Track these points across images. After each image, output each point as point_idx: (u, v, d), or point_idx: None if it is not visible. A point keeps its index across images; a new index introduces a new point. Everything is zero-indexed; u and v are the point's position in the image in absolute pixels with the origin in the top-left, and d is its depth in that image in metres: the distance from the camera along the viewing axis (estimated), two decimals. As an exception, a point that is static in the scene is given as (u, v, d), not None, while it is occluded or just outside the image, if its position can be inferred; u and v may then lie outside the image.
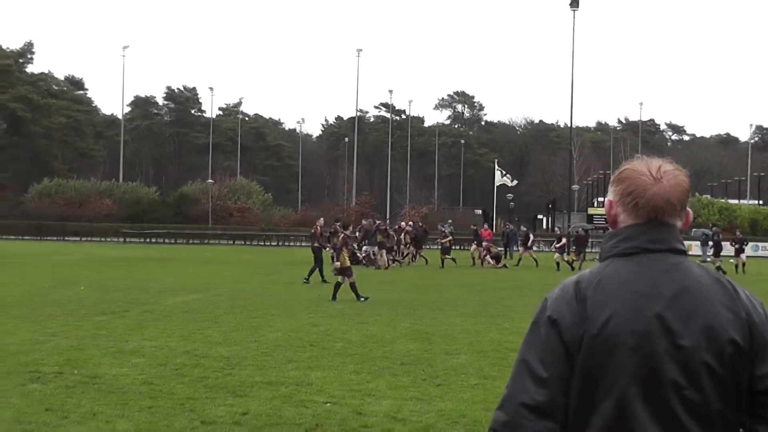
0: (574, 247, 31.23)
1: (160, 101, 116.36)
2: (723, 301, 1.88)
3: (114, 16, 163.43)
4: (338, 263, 16.33)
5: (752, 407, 1.86)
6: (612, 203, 1.99)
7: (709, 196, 71.23)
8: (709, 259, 41.22)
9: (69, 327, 11.58)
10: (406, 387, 7.76)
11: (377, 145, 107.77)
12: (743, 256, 30.70)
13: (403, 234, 32.01)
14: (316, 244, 21.29)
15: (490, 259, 30.35)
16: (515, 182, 62.68)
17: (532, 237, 33.89)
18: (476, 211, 72.93)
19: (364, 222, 30.18)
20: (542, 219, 75.70)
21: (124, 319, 12.66)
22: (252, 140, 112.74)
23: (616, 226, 1.98)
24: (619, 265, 1.91)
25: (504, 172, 63.73)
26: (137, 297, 16.26)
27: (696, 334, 1.83)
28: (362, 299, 15.85)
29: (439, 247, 31.53)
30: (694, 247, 48.73)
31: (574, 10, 59.02)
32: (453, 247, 33.46)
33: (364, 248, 28.16)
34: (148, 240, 54.72)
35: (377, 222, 31.94)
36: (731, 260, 30.26)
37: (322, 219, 24.36)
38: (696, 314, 1.84)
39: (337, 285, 16.23)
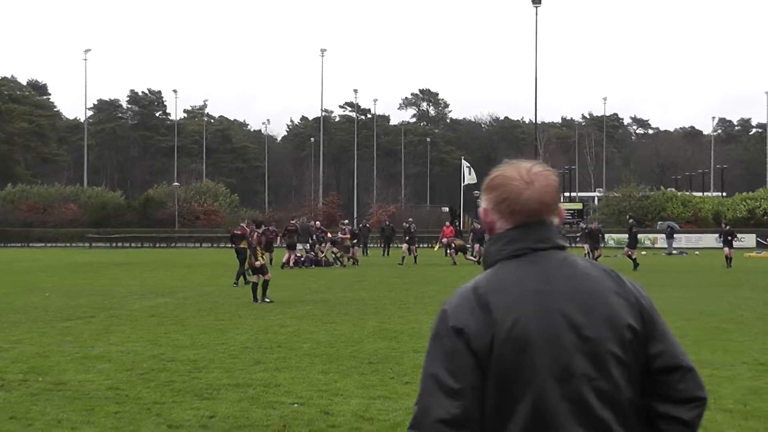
0: (587, 243, 29.84)
1: (124, 104, 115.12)
2: (614, 289, 1.93)
3: (76, 19, 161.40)
4: (257, 262, 16.15)
5: (649, 386, 1.92)
6: (487, 211, 2.01)
7: (673, 189, 71.80)
8: (674, 251, 41.79)
9: (34, 334, 11.44)
10: (374, 386, 7.80)
11: (343, 145, 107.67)
12: (727, 249, 28.96)
13: (339, 234, 31.12)
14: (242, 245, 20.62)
15: (453, 254, 30.57)
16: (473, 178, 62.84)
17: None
18: (443, 208, 73.13)
19: (293, 222, 29.71)
20: None
21: (89, 325, 12.53)
22: (217, 142, 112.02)
23: (494, 232, 2.00)
24: (513, 267, 1.92)
25: (471, 169, 63.69)
26: (103, 302, 16.09)
27: (599, 325, 1.86)
28: (267, 300, 15.64)
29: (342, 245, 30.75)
30: (660, 240, 49.23)
31: (536, 7, 59.62)
32: (417, 246, 33.90)
33: (299, 247, 28.12)
34: (114, 244, 54.09)
35: (312, 222, 31.74)
36: (726, 252, 28.92)
37: (247, 219, 25.47)
38: (595, 305, 1.89)
39: (254, 285, 16.15)
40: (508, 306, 1.85)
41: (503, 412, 1.82)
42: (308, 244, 28.73)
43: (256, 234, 17.06)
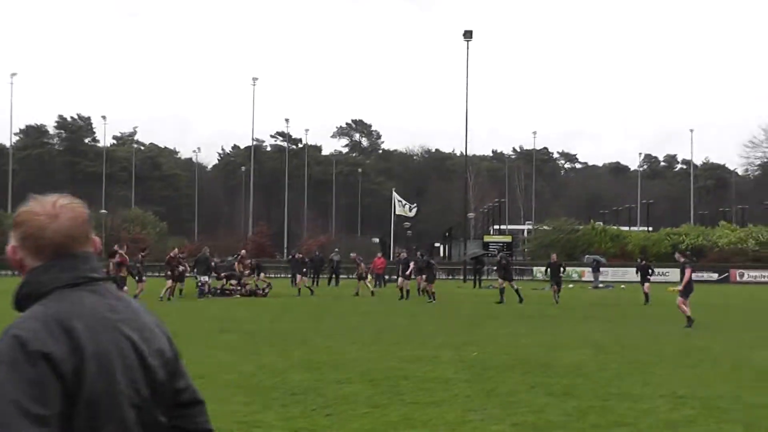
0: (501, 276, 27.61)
1: (51, 130, 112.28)
2: (156, 322, 2.07)
3: (1, 42, 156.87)
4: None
5: (176, 419, 2.07)
6: (15, 248, 1.98)
7: (601, 224, 72.90)
8: (601, 285, 42.51)
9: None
10: (296, 417, 7.79)
11: (274, 174, 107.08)
12: (647, 285, 27.87)
13: (238, 263, 30.75)
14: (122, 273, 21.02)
15: (367, 284, 30.73)
16: (414, 211, 63.00)
17: (412, 265, 29.45)
18: (374, 239, 73.30)
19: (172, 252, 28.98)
20: (439, 247, 76.78)
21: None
22: (147, 170, 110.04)
23: (24, 269, 1.98)
24: (78, 294, 1.94)
25: (404, 202, 64.09)
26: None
27: (155, 356, 1.99)
28: None
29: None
30: (587, 273, 50.12)
31: (467, 41, 60.97)
32: (341, 276, 34.01)
33: (201, 279, 27.77)
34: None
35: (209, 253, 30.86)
36: (645, 288, 27.65)
37: (176, 249, 27.23)
38: (150, 337, 2.01)
39: None
40: (91, 331, 1.88)
41: None
42: (206, 276, 28.08)
43: (118, 254, 18.98)
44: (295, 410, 8.13)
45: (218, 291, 29.15)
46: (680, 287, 18.50)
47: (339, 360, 11.77)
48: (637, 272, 29.99)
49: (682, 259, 19.31)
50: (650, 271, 29.19)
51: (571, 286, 40.98)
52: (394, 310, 22.52)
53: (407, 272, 28.93)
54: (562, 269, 28.09)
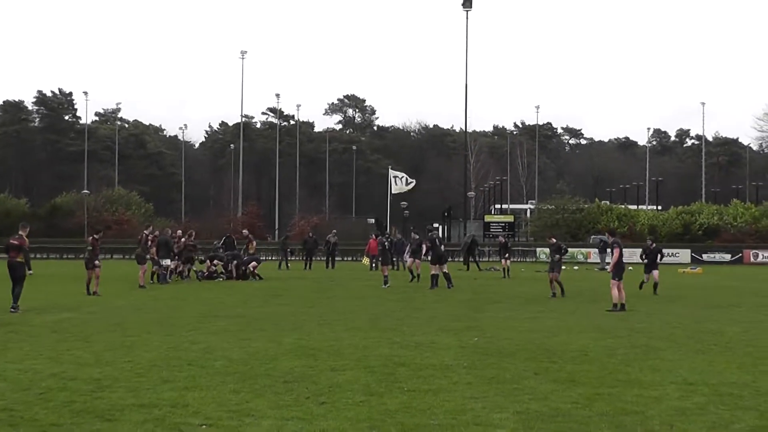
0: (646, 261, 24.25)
1: (30, 106, 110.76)
2: None
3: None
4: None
5: None
6: None
7: (608, 202, 70.86)
8: (608, 267, 41.84)
9: None
10: (288, 406, 7.54)
11: (265, 152, 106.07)
12: (656, 272, 23.53)
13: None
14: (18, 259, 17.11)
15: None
16: (411, 185, 61.45)
17: (425, 247, 26.91)
18: (369, 220, 72.67)
19: (146, 232, 27.73)
20: (438, 227, 75.68)
21: (-16, 341, 11.81)
22: (131, 148, 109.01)
23: None
24: None
25: (401, 175, 62.30)
26: (1, 317, 15.26)
27: None
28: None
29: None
30: (593, 255, 48.34)
31: (467, 11, 59.39)
32: (338, 258, 33.44)
33: (163, 263, 26.19)
34: (17, 254, 51.65)
35: (174, 233, 29.42)
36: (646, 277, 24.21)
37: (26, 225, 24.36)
38: None
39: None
40: None
41: None
42: (169, 260, 26.47)
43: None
44: (288, 398, 7.89)
45: (204, 274, 28.69)
46: (609, 268, 18.15)
47: (334, 346, 11.48)
48: (644, 257, 24.36)
49: (611, 239, 18.88)
50: (661, 256, 24.58)
51: (576, 267, 40.64)
52: (390, 295, 22.17)
53: (422, 254, 27.48)
54: (562, 251, 23.00)
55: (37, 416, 7.05)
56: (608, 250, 25.51)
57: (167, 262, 26.49)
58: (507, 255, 33.35)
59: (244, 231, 35.03)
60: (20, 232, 16.96)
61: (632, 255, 52.80)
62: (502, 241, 34.80)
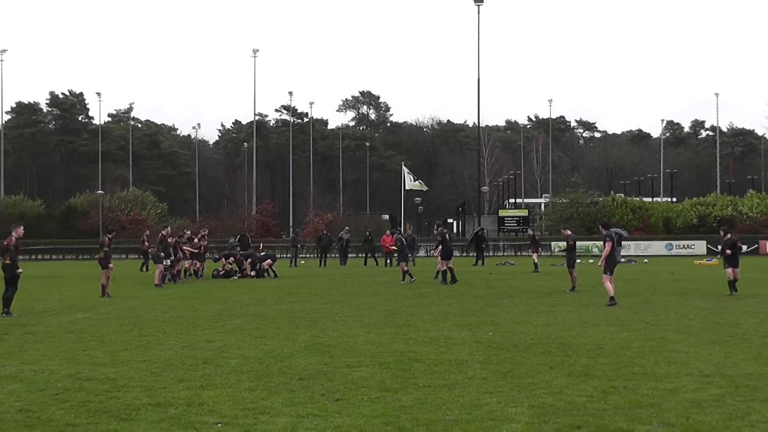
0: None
1: (44, 108, 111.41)
2: None
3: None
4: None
5: None
6: None
7: (622, 195, 70.40)
8: (623, 260, 41.80)
9: (-62, 353, 10.73)
10: (304, 403, 7.52)
11: (278, 150, 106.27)
12: (729, 270, 19.84)
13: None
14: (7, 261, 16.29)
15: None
16: (426, 188, 62.00)
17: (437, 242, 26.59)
18: (383, 216, 72.60)
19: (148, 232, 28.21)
20: (453, 222, 75.37)
21: (2, 343, 11.88)
22: (145, 148, 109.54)
23: None
24: None
25: (415, 177, 62.98)
26: (18, 318, 15.33)
27: None
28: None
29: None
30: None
31: (478, 5, 59.66)
32: (351, 255, 33.54)
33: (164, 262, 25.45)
34: (33, 257, 52.17)
35: (182, 233, 29.35)
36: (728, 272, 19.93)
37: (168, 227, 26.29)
38: None
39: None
40: None
41: None
42: (168, 260, 25.67)
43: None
44: (303, 396, 7.86)
45: (220, 273, 28.76)
46: (600, 263, 17.95)
47: (348, 343, 11.46)
48: (722, 251, 20.81)
49: (604, 232, 18.66)
50: (740, 249, 20.45)
51: (591, 261, 40.41)
52: (405, 290, 22.11)
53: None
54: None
55: (53, 417, 7.05)
56: (623, 243, 21.45)
57: (167, 261, 26.51)
58: (538, 249, 33.16)
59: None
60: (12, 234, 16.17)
61: (647, 247, 51.81)
62: (531, 233, 34.63)
